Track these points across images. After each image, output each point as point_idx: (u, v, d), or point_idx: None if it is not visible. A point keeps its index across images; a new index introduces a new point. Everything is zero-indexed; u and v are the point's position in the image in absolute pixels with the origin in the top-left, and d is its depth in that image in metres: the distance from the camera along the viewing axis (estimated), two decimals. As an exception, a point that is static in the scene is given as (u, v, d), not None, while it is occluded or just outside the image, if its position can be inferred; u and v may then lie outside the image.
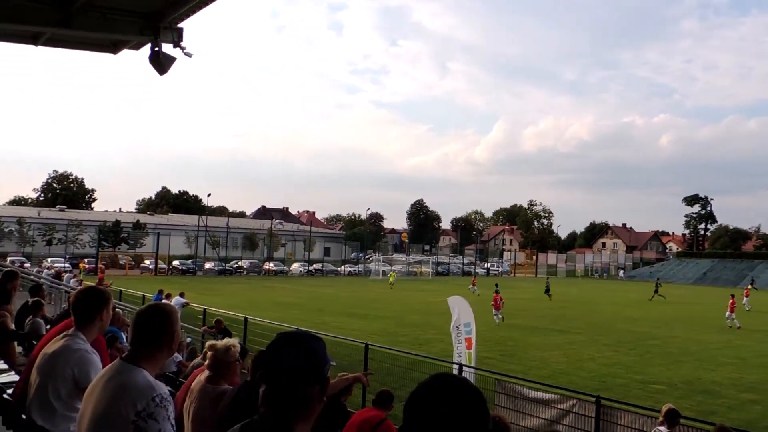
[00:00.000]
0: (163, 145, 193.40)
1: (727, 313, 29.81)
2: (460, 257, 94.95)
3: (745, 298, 39.34)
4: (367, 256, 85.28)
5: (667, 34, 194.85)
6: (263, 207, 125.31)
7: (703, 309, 39.05)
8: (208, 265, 62.72)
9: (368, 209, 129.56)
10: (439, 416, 1.45)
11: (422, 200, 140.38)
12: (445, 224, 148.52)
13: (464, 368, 10.50)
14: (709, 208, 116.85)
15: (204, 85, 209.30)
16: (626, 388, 14.35)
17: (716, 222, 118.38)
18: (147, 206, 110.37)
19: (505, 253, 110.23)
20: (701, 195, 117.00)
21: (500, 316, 27.21)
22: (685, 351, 20.99)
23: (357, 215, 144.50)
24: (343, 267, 73.68)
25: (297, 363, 1.81)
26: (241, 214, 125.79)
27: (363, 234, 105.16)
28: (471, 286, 43.93)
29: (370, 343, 12.12)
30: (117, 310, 6.90)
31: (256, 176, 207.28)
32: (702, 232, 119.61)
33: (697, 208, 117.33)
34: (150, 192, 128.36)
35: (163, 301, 14.57)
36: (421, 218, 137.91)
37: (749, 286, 49.05)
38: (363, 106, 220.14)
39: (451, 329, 12.01)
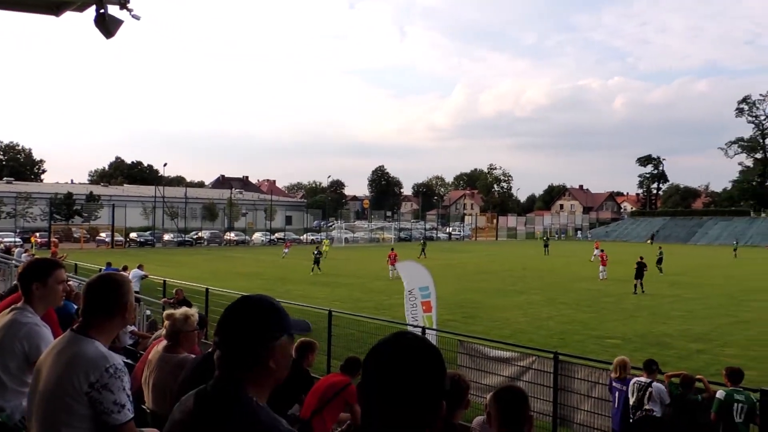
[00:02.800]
0: (115, 115, 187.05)
1: (600, 267, 31.56)
2: (422, 223, 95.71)
3: (595, 250, 41.73)
4: (329, 224, 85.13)
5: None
6: (222, 176, 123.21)
7: (653, 266, 40.37)
8: (166, 237, 61.61)
9: (329, 176, 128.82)
10: (396, 373, 1.47)
11: (383, 166, 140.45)
12: (407, 190, 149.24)
13: (427, 331, 10.65)
14: (661, 168, 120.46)
15: (156, 51, 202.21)
16: (583, 344, 14.85)
17: (668, 181, 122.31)
18: (100, 177, 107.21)
19: (466, 217, 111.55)
20: (654, 155, 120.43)
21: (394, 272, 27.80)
22: (639, 306, 21.80)
23: (318, 183, 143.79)
24: (305, 235, 73.43)
25: (248, 324, 1.78)
26: (200, 184, 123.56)
27: (325, 202, 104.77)
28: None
29: (334, 310, 12.16)
30: (70, 282, 6.69)
31: (214, 145, 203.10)
32: (654, 191, 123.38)
33: (649, 168, 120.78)
34: (103, 163, 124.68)
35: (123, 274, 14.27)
36: (383, 185, 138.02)
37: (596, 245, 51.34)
38: (322, 72, 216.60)
39: (405, 294, 12.12)
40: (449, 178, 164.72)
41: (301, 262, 41.26)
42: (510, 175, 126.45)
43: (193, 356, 4.34)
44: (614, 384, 7.59)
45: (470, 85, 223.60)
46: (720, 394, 6.81)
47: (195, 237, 64.49)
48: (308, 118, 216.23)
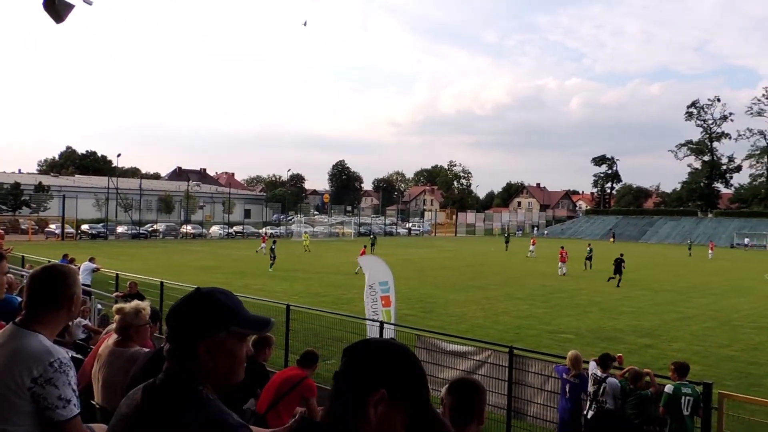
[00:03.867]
0: (66, 103, 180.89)
1: (560, 263, 32.32)
2: (382, 218, 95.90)
3: (531, 247, 45.81)
4: (288, 218, 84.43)
5: (580, 0, 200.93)
6: (179, 168, 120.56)
7: (607, 263, 41.49)
8: (120, 229, 59.98)
9: (289, 170, 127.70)
10: (375, 364, 1.50)
11: (344, 161, 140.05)
12: (367, 185, 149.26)
13: (385, 325, 10.67)
14: (615, 168, 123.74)
15: (110, 39, 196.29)
16: (538, 338, 15.15)
17: (621, 181, 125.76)
18: (50, 167, 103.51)
19: (426, 213, 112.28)
20: (608, 156, 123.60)
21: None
22: (591, 302, 22.38)
23: (278, 176, 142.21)
24: (264, 229, 72.61)
25: (191, 317, 1.75)
26: (156, 176, 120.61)
27: (284, 195, 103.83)
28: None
29: (292, 304, 12.06)
30: (9, 275, 6.42)
31: (170, 137, 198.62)
32: (608, 190, 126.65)
33: (604, 168, 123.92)
34: (53, 152, 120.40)
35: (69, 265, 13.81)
36: (343, 179, 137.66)
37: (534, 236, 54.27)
38: (282, 65, 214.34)
39: (365, 288, 12.13)
40: (409, 174, 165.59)
41: (261, 256, 40.82)
42: (469, 172, 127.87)
43: (145, 350, 4.23)
44: (566, 377, 7.76)
45: (431, 81, 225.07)
46: (668, 388, 7.03)
47: (150, 230, 62.99)
48: (268, 110, 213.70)
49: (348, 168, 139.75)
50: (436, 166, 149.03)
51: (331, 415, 1.51)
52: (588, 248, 38.59)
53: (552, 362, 8.39)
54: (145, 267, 27.26)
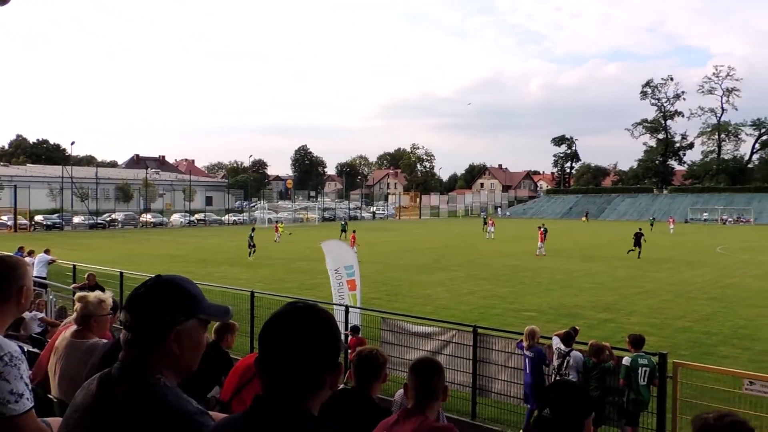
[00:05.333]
0: (16, 89, 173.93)
1: (539, 243, 32.92)
2: (346, 202, 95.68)
3: (491, 227, 46.24)
4: (251, 204, 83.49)
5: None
6: (137, 156, 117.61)
7: (568, 241, 42.46)
8: (76, 220, 58.34)
9: (251, 156, 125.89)
10: (291, 341, 1.54)
11: (306, 146, 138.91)
12: (331, 170, 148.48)
13: (350, 309, 10.70)
14: (574, 148, 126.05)
15: (62, 20, 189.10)
16: (502, 317, 15.42)
17: (580, 160, 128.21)
18: (0, 156, 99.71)
19: (390, 196, 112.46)
20: (567, 136, 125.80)
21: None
22: (553, 280, 22.85)
23: (240, 162, 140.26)
24: (226, 216, 71.64)
25: (154, 305, 1.74)
26: (112, 164, 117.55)
27: (246, 182, 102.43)
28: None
29: (257, 291, 11.98)
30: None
31: (128, 124, 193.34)
32: (568, 170, 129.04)
33: (563, 148, 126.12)
34: (2, 141, 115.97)
35: (26, 258, 13.37)
36: (306, 164, 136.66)
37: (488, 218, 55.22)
38: (244, 49, 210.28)
39: (329, 273, 12.13)
40: (373, 158, 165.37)
41: (223, 243, 40.31)
42: (432, 155, 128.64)
43: (104, 341, 4.14)
44: (524, 352, 7.94)
45: (395, 65, 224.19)
46: (626, 360, 7.26)
47: (108, 219, 61.42)
48: (229, 96, 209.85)
49: (311, 153, 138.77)
50: (400, 149, 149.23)
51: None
52: (542, 226, 39.30)
53: (515, 340, 8.56)
54: (103, 258, 26.63)
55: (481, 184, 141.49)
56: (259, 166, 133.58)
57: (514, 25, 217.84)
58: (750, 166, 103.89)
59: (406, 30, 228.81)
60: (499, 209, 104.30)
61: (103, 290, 10.99)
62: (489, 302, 17.93)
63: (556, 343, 7.76)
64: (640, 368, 7.13)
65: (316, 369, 1.55)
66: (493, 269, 26.17)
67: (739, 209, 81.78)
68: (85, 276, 13.35)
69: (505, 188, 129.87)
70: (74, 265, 16.06)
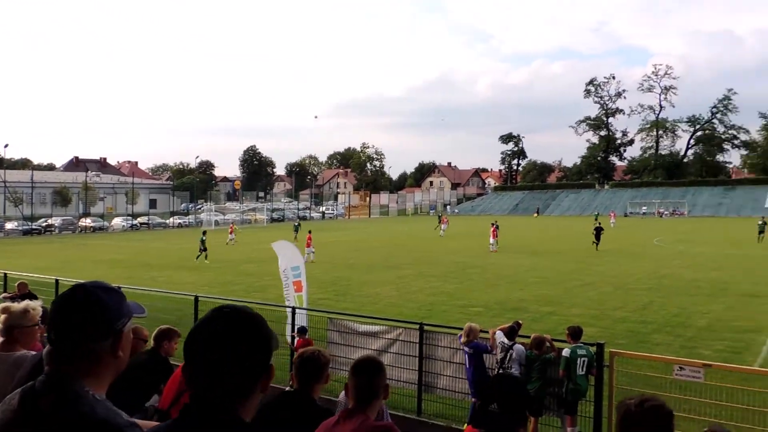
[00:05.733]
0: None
1: (491, 240, 33.63)
2: (296, 203, 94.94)
3: (443, 225, 47.56)
4: (198, 207, 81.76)
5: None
6: (76, 158, 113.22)
7: (517, 237, 43.33)
8: (9, 225, 55.76)
9: (197, 157, 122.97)
10: (219, 346, 1.51)
11: (255, 146, 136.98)
12: (280, 170, 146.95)
13: (297, 311, 10.62)
14: (521, 145, 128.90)
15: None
16: (449, 314, 15.61)
17: (527, 157, 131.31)
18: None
19: (339, 196, 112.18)
20: (514, 133, 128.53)
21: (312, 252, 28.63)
22: (500, 275, 23.30)
23: (186, 164, 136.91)
24: (171, 219, 69.87)
25: (81, 317, 1.67)
26: (50, 167, 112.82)
27: (193, 183, 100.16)
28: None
29: (201, 295, 11.73)
30: None
31: (67, 125, 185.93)
32: (515, 167, 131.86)
33: (511, 145, 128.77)
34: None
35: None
36: (255, 165, 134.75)
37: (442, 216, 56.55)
38: (190, 49, 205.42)
39: (280, 274, 12.01)
40: (323, 158, 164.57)
41: (168, 247, 39.31)
42: (382, 154, 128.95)
43: (33, 353, 3.98)
44: (464, 348, 8.08)
45: (345, 64, 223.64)
46: (566, 351, 7.47)
47: (44, 225, 58.95)
48: (176, 95, 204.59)
49: (260, 153, 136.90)
50: (350, 148, 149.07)
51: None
52: (494, 222, 40.06)
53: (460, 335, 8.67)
54: (38, 264, 25.54)
55: (431, 183, 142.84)
56: (206, 167, 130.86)
57: (463, 25, 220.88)
58: (685, 161, 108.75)
59: (356, 29, 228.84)
60: (448, 207, 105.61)
61: (35, 299, 10.56)
62: (437, 299, 18.12)
63: (500, 337, 7.91)
64: (578, 359, 7.36)
65: (246, 373, 1.52)
66: (442, 266, 26.47)
67: (675, 202, 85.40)
68: (16, 285, 12.75)
69: (454, 186, 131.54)
70: (5, 274, 15.32)
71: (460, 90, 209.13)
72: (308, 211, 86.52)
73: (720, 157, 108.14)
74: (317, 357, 3.58)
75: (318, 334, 10.10)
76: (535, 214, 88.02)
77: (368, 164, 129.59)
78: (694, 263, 26.64)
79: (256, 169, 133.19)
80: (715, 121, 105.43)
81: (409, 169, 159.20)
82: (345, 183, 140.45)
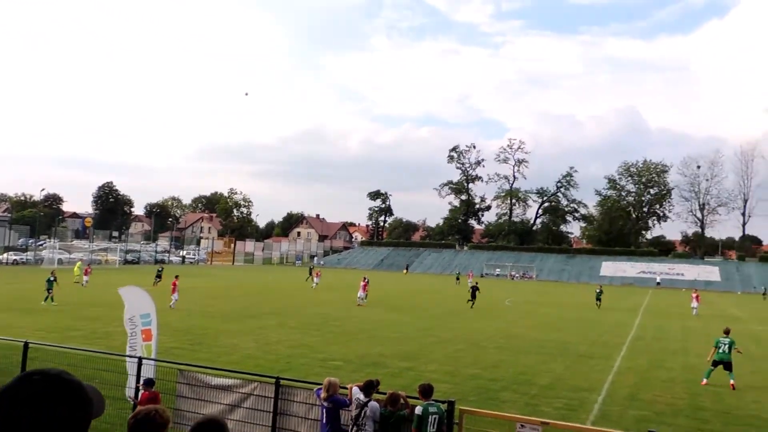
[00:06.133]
0: None
1: (361, 293, 34.27)
2: (154, 245, 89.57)
3: (316, 278, 47.47)
4: (39, 243, 74.25)
5: (362, 46, 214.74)
6: None
7: (381, 292, 44.04)
8: None
9: (43, 189, 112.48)
10: (17, 419, 1.31)
11: (112, 183, 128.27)
12: (139, 210, 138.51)
13: (144, 361, 9.88)
14: (388, 203, 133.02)
15: None
16: (308, 367, 15.34)
17: (393, 215, 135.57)
18: None
19: (202, 241, 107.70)
20: (382, 191, 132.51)
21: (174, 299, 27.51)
22: (361, 329, 23.43)
23: (29, 196, 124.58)
24: (5, 255, 62.74)
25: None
26: None
27: (36, 217, 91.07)
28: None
29: (32, 341, 10.55)
30: None
31: None
32: (382, 223, 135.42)
33: (378, 202, 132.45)
34: None
35: None
36: (111, 202, 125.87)
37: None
38: (38, 71, 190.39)
39: (124, 322, 11.16)
40: (187, 200, 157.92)
41: (84, 286, 35.07)
42: (250, 201, 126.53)
43: None
44: (322, 403, 7.98)
45: (215, 107, 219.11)
46: (418, 409, 7.61)
47: None
48: (18, 123, 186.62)
49: (117, 191, 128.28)
50: (217, 193, 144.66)
51: None
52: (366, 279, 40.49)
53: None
54: None
55: (298, 233, 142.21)
56: (53, 201, 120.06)
57: (338, 84, 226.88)
58: (534, 228, 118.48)
59: (231, 76, 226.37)
60: (315, 258, 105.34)
61: None
62: (297, 351, 17.77)
63: (356, 393, 7.90)
64: (430, 416, 7.52)
65: None
66: (304, 318, 26.12)
67: (525, 266, 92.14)
68: None
69: (322, 238, 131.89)
70: None
71: (331, 144, 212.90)
72: (167, 254, 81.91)
73: (563, 227, 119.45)
74: (153, 417, 3.28)
75: (167, 387, 9.45)
76: (405, 271, 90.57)
77: (235, 210, 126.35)
78: (540, 324, 28.67)
79: (112, 207, 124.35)
80: (559, 194, 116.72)
81: (277, 218, 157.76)
82: (209, 228, 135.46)
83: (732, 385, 15.52)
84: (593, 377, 16.07)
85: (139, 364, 9.79)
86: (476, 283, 39.26)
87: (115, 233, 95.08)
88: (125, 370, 10.50)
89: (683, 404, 13.46)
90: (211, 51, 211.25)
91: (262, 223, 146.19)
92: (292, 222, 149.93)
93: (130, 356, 10.42)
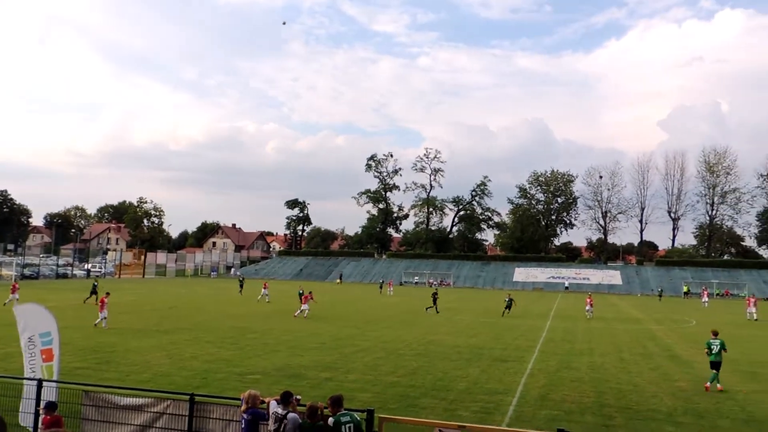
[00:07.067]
0: None
1: (304, 306, 34.02)
2: (55, 257, 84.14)
3: (263, 290, 46.12)
4: None
5: (279, 52, 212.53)
6: None
7: (298, 302, 43.54)
8: None
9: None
10: None
11: (6, 191, 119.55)
12: (38, 220, 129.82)
13: (45, 383, 9.23)
14: (306, 212, 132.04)
15: None
16: (225, 382, 14.91)
17: (311, 224, 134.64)
18: None
19: (110, 252, 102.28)
20: (300, 199, 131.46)
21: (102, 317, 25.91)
22: (280, 341, 23.05)
23: None
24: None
25: None
26: None
27: None
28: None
29: None
30: None
31: None
32: (300, 232, 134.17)
33: (296, 211, 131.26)
34: None
35: None
36: (5, 212, 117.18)
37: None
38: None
39: (21, 343, 10.40)
40: (92, 210, 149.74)
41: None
42: (162, 210, 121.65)
43: None
44: (242, 415, 7.80)
45: (123, 112, 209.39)
46: (330, 421, 7.58)
47: None
48: None
49: (12, 200, 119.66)
50: (125, 202, 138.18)
51: None
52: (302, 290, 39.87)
53: (234, 406, 8.32)
54: None
55: (213, 243, 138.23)
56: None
57: (254, 89, 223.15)
58: (451, 236, 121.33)
59: (140, 77, 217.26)
60: (232, 269, 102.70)
61: None
62: (213, 366, 17.22)
63: (273, 407, 7.76)
64: (344, 426, 7.45)
65: None
66: (221, 331, 25.37)
67: (443, 273, 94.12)
68: None
69: (238, 248, 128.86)
70: None
71: (248, 151, 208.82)
72: (70, 268, 77.17)
73: (478, 235, 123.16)
74: None
75: (71, 410, 8.88)
76: (338, 281, 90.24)
77: (145, 220, 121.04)
78: (456, 330, 29.35)
79: (7, 217, 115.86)
80: (474, 203, 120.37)
81: (191, 227, 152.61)
82: (117, 239, 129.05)
83: (707, 387, 16.01)
84: (507, 380, 16.63)
85: (39, 387, 9.15)
86: (436, 290, 44.49)
87: (11, 245, 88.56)
88: (20, 395, 9.77)
89: (590, 402, 14.18)
90: (116, 49, 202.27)
91: (174, 233, 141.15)
92: (207, 232, 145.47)
93: (29, 379, 9.71)
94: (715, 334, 17.09)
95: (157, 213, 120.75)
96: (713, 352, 16.48)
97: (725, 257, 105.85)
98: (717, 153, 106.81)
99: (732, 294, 79.53)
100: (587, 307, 39.91)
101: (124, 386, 10.77)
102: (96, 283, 41.77)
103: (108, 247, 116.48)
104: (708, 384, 16.19)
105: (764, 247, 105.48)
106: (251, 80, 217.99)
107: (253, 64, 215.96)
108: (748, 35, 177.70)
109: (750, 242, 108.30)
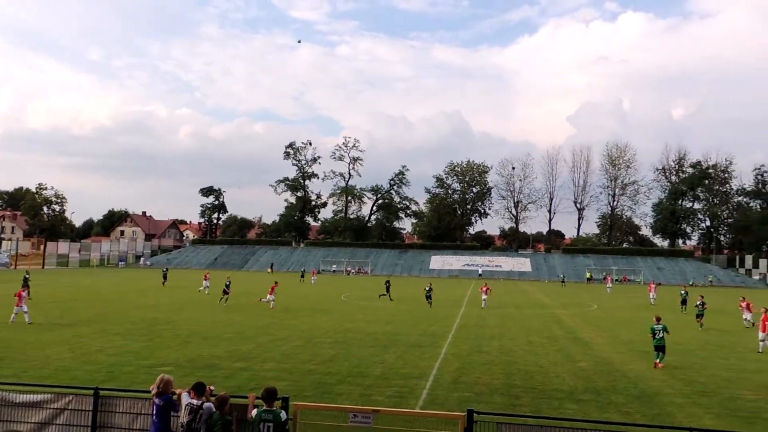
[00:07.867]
0: None
1: (269, 296, 33.45)
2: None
3: (205, 282, 44.36)
4: None
5: (191, 34, 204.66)
6: None
7: (217, 290, 42.46)
8: None
9: None
10: None
11: None
12: None
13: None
14: (221, 200, 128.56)
15: None
16: (134, 375, 14.35)
17: (227, 212, 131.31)
18: None
19: (4, 242, 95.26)
20: (215, 187, 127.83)
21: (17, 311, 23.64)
22: (193, 332, 22.41)
23: None
24: None
25: None
26: None
27: None
28: None
29: None
30: None
31: None
32: (215, 221, 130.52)
33: (211, 198, 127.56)
34: None
35: None
36: None
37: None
38: None
39: None
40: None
41: None
42: (64, 197, 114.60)
43: None
44: (154, 399, 7.58)
45: (18, 92, 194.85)
46: (254, 412, 7.47)
47: None
48: None
49: None
50: (21, 188, 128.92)
51: None
52: (227, 279, 38.49)
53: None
54: None
55: (122, 232, 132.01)
56: None
57: (165, 72, 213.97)
58: (369, 225, 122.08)
59: (38, 57, 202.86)
60: (142, 258, 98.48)
61: None
62: (120, 359, 16.50)
63: (186, 399, 7.57)
64: (262, 423, 7.32)
65: None
66: (129, 323, 24.33)
67: (361, 261, 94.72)
68: None
69: (149, 237, 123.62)
70: None
71: (159, 137, 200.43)
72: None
73: (396, 224, 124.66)
74: None
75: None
76: (269, 270, 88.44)
77: (45, 208, 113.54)
78: (373, 318, 29.67)
79: None
80: (392, 192, 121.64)
81: (97, 215, 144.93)
82: (12, 227, 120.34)
83: (656, 364, 17.35)
84: (422, 365, 17.03)
85: None
86: (388, 280, 44.85)
87: None
88: None
89: (499, 384, 14.81)
90: (4, 22, 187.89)
91: (78, 221, 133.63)
92: (114, 220, 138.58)
93: None
94: (658, 319, 18.56)
95: (59, 200, 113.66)
96: (656, 336, 17.81)
97: (624, 245, 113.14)
98: (619, 148, 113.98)
99: (629, 279, 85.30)
100: (483, 296, 37.61)
101: (19, 382, 10.14)
102: (27, 275, 38.93)
103: (2, 236, 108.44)
104: (657, 361, 17.55)
105: (658, 236, 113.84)
106: (162, 63, 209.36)
107: (164, 46, 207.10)
108: (647, 38, 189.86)
109: (646, 231, 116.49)
